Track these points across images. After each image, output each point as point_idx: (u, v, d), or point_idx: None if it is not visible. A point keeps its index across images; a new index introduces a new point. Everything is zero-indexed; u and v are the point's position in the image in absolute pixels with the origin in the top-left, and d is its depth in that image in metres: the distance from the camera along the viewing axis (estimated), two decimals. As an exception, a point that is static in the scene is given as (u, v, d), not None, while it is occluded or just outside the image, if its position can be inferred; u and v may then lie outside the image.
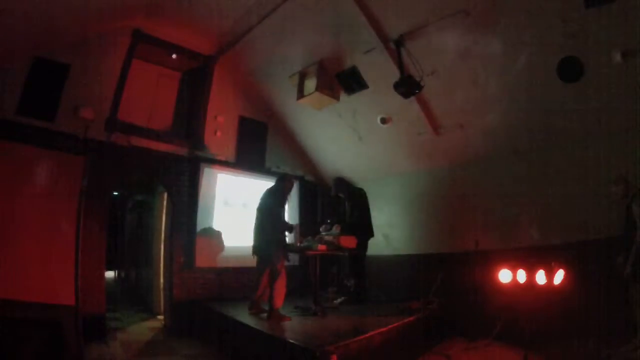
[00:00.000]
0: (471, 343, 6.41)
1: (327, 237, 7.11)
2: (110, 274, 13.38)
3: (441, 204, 8.41)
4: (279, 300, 6.36)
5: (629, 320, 5.20)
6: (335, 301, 7.75)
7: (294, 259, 8.73)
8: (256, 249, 6.77)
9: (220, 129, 8.96)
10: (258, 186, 9.20)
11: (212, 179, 8.72)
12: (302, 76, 8.11)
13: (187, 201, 8.28)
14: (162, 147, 8.04)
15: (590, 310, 5.62)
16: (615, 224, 5.65)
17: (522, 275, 6.04)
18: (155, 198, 9.29)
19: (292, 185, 7.23)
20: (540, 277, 5.81)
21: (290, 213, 8.98)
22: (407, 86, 6.72)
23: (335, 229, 7.39)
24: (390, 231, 9.26)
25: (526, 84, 6.40)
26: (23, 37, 5.87)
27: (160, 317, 8.36)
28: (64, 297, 5.77)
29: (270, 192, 6.99)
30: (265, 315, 6.34)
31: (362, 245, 7.74)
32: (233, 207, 9.05)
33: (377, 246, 8.65)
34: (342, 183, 8.45)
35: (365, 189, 8.45)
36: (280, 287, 6.39)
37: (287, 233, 6.87)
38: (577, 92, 5.97)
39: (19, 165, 5.82)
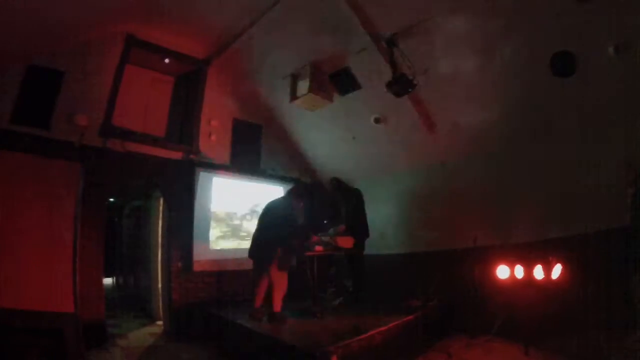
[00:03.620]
0: (472, 339, 6.44)
1: (324, 238, 7.13)
2: (108, 280, 13.34)
3: (438, 202, 8.42)
4: (279, 304, 6.37)
5: (631, 313, 5.22)
6: (334, 302, 7.76)
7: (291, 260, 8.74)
8: (255, 253, 6.77)
9: (214, 133, 8.94)
10: (254, 188, 9.25)
11: (208, 182, 8.71)
12: (295, 78, 8.11)
13: (184, 205, 8.26)
14: (157, 152, 8.02)
15: (591, 304, 5.64)
16: (616, 216, 5.67)
17: (520, 271, 6.08)
18: (152, 203, 9.28)
19: (303, 193, 7.27)
20: (539, 272, 5.85)
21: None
22: (400, 85, 6.72)
23: (339, 229, 7.42)
24: (387, 230, 9.27)
25: (519, 79, 6.43)
26: (16, 45, 5.86)
27: (160, 322, 8.34)
28: (64, 304, 5.77)
29: (284, 199, 7.10)
30: (265, 317, 6.36)
31: (360, 245, 7.77)
32: (230, 210, 9.05)
33: (375, 245, 8.65)
34: (338, 183, 8.46)
35: (361, 189, 8.47)
36: (280, 291, 6.42)
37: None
38: (570, 87, 6.00)
39: (15, 174, 5.81)
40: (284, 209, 6.83)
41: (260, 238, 6.74)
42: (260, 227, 6.86)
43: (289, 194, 7.19)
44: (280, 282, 6.42)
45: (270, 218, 6.79)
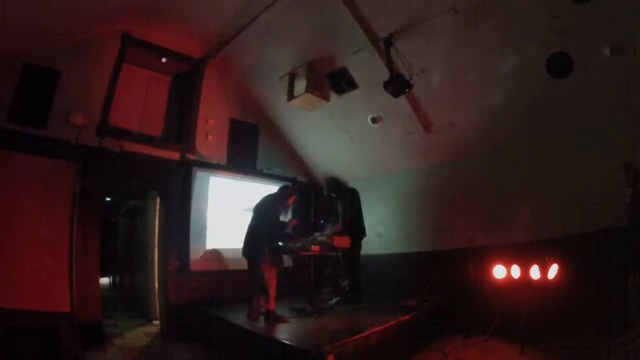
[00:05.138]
0: (468, 339, 6.44)
1: (320, 238, 7.13)
2: (105, 280, 13.33)
3: (434, 202, 8.44)
4: (271, 302, 6.36)
5: (628, 313, 5.23)
6: (330, 301, 7.76)
7: (287, 260, 8.71)
8: (245, 251, 6.79)
9: (211, 132, 8.96)
10: (250, 188, 9.23)
11: (205, 182, 8.71)
12: (292, 77, 8.10)
13: (180, 205, 8.26)
14: (154, 151, 8.02)
15: (589, 304, 5.66)
16: (614, 216, 5.68)
17: (516, 271, 6.09)
18: (149, 203, 9.27)
19: (291, 194, 7.24)
20: (535, 272, 5.86)
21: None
22: (397, 85, 6.73)
23: (336, 229, 7.42)
24: (384, 230, 9.29)
25: (516, 80, 6.44)
26: (13, 44, 5.85)
27: (157, 322, 8.33)
28: (60, 304, 5.76)
29: (269, 198, 7.03)
30: (262, 318, 6.36)
31: (356, 244, 7.77)
32: (226, 209, 9.05)
33: (371, 245, 8.68)
34: (335, 183, 8.45)
35: (358, 189, 8.46)
36: (271, 288, 6.40)
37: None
38: (568, 87, 6.01)
39: (11, 173, 5.80)
40: (269, 207, 6.85)
41: (248, 237, 6.79)
42: (249, 225, 6.89)
43: (277, 193, 7.18)
44: (269, 279, 6.42)
45: (257, 217, 6.83)
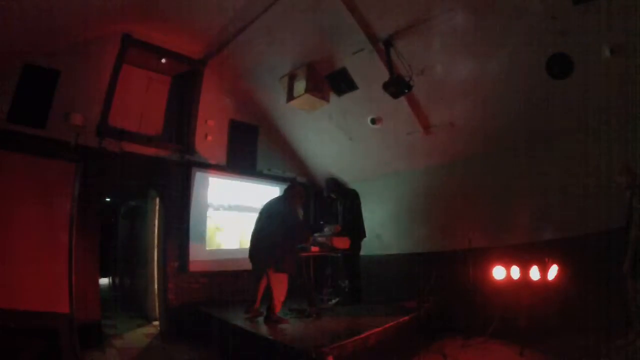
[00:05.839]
0: (467, 340, 6.43)
1: (320, 239, 7.12)
2: (104, 281, 13.29)
3: (433, 203, 8.43)
4: (278, 307, 6.32)
5: (628, 313, 5.23)
6: (330, 302, 7.75)
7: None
8: (254, 254, 6.66)
9: (210, 133, 8.96)
10: (250, 189, 9.23)
11: (204, 183, 8.72)
12: (292, 78, 8.08)
13: (180, 206, 8.27)
14: (154, 152, 8.03)
15: (588, 305, 5.65)
16: (614, 217, 5.67)
17: (516, 272, 6.08)
18: (148, 203, 9.25)
19: (300, 193, 7.20)
20: (534, 273, 5.85)
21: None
22: (397, 86, 6.72)
23: (335, 230, 7.40)
24: (383, 231, 9.27)
25: (516, 81, 6.44)
26: (13, 44, 5.84)
27: (156, 322, 8.31)
28: (59, 304, 5.76)
29: (281, 200, 6.98)
30: (261, 318, 6.33)
31: (356, 245, 7.76)
32: (225, 210, 9.05)
33: (371, 246, 8.67)
34: (334, 184, 8.47)
35: (357, 189, 8.47)
36: (280, 294, 6.35)
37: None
38: (567, 88, 6.01)
39: (10, 174, 5.80)
40: (280, 210, 6.74)
41: (257, 240, 6.65)
42: (257, 228, 6.76)
43: (285, 193, 7.14)
44: (279, 285, 6.32)
45: (267, 219, 6.70)
